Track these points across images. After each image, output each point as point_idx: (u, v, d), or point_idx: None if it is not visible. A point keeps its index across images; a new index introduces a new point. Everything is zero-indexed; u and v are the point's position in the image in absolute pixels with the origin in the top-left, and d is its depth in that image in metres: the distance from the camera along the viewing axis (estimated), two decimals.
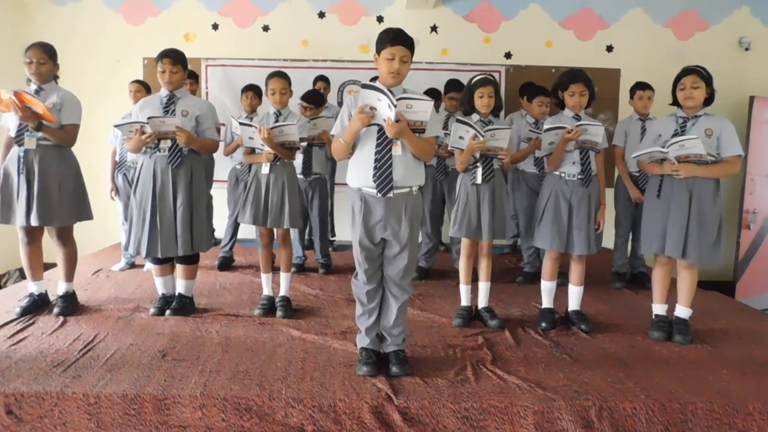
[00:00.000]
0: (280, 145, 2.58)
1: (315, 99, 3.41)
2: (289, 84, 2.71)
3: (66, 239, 2.67)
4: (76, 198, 2.63)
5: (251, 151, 2.73)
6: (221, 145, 3.04)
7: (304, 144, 2.91)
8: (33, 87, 2.56)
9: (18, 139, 2.50)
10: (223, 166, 3.85)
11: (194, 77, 3.76)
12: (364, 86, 1.83)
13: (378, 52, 1.92)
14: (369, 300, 2.02)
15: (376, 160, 1.90)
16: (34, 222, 2.50)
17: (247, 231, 3.54)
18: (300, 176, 3.41)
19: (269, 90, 2.68)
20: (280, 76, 2.67)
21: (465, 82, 2.70)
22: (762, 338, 2.49)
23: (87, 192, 2.71)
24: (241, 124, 2.66)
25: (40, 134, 2.49)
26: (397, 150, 1.90)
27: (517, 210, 3.58)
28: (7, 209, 2.53)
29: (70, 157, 2.64)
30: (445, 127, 3.28)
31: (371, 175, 1.90)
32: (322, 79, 3.94)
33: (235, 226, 3.64)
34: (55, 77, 2.63)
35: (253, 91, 3.43)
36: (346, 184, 2.03)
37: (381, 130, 1.90)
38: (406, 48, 1.88)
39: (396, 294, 2.01)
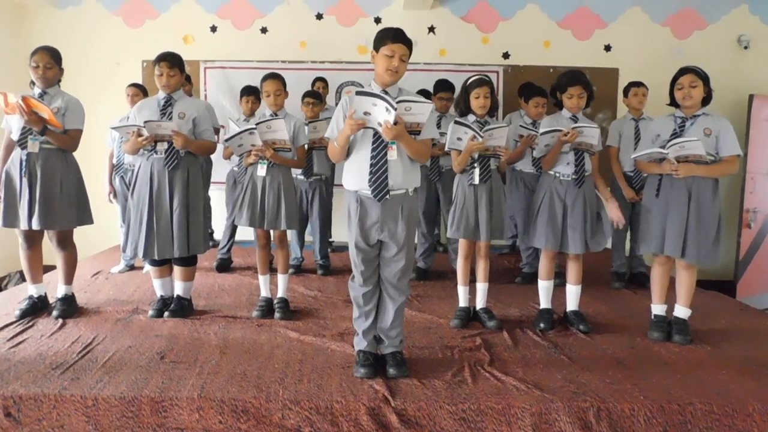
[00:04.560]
0: (271, 145, 2.57)
1: (317, 94, 3.48)
2: (284, 85, 2.71)
3: (66, 243, 2.68)
4: (77, 202, 2.64)
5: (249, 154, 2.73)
6: (220, 147, 3.05)
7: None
8: (37, 91, 2.57)
9: (21, 142, 2.51)
10: (222, 167, 3.85)
11: (187, 79, 3.76)
12: (359, 93, 1.82)
13: (376, 49, 1.91)
14: (366, 302, 2.02)
15: (371, 165, 1.90)
16: (35, 226, 2.51)
17: (246, 232, 3.53)
18: (301, 177, 3.42)
19: (264, 92, 2.69)
20: (275, 77, 2.68)
21: (463, 82, 2.69)
22: (763, 338, 2.48)
23: (88, 196, 2.72)
24: (226, 140, 2.63)
25: (43, 138, 2.50)
26: (392, 155, 1.90)
27: (514, 210, 3.58)
28: (11, 213, 2.54)
29: (72, 161, 2.66)
30: (437, 127, 3.28)
31: (367, 179, 1.90)
32: (321, 79, 3.96)
33: (233, 228, 3.65)
34: (58, 81, 2.64)
35: (254, 95, 3.43)
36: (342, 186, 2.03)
37: (377, 134, 1.90)
38: (406, 47, 1.89)
39: (393, 296, 2.01)
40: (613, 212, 2.53)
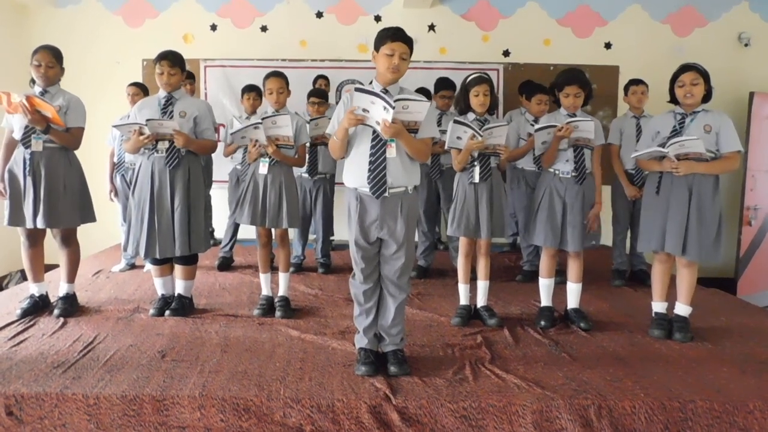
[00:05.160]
0: (275, 141, 2.58)
1: (323, 94, 3.48)
2: (287, 83, 2.71)
3: (70, 240, 2.69)
4: (80, 200, 2.65)
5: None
6: (221, 145, 3.05)
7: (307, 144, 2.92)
8: (37, 89, 2.58)
9: (25, 141, 2.52)
10: (224, 166, 3.85)
11: (191, 77, 3.77)
12: (358, 90, 1.82)
13: (377, 48, 1.91)
14: (366, 300, 2.02)
15: (370, 162, 1.90)
16: (40, 224, 2.51)
17: (247, 231, 3.54)
18: (305, 175, 3.42)
19: (267, 90, 2.68)
20: (277, 75, 2.68)
21: (462, 80, 2.69)
22: (763, 336, 2.48)
23: (90, 194, 2.73)
24: (232, 133, 2.66)
25: (46, 137, 2.51)
26: (391, 152, 1.90)
27: (516, 208, 3.57)
28: (17, 212, 2.54)
29: (75, 159, 2.67)
30: (437, 125, 3.28)
31: (366, 176, 1.90)
32: (323, 77, 3.97)
33: (235, 227, 3.65)
34: (58, 80, 2.64)
35: (255, 92, 3.43)
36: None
37: (376, 131, 1.89)
38: (406, 45, 1.89)
39: (393, 293, 2.01)
40: (591, 214, 2.51)
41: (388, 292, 2.02)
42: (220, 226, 3.98)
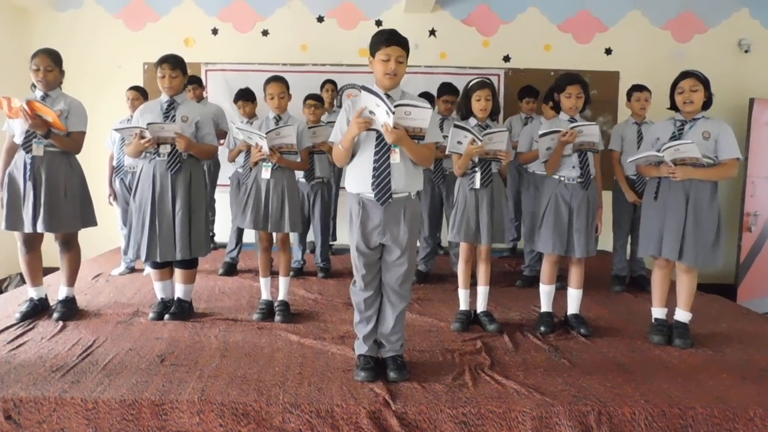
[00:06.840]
0: (278, 149, 2.59)
1: (319, 97, 3.48)
2: (287, 88, 2.72)
3: (71, 244, 2.69)
4: (81, 204, 2.65)
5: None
6: (225, 150, 3.06)
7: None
8: (39, 93, 2.57)
9: (26, 146, 2.52)
10: (226, 169, 3.86)
11: (198, 82, 3.77)
12: (364, 89, 1.81)
13: (372, 54, 1.90)
14: (367, 308, 2.01)
15: (374, 169, 1.89)
16: (40, 228, 2.51)
17: (247, 235, 3.55)
18: (302, 180, 3.42)
19: (268, 95, 2.69)
20: (278, 80, 2.69)
21: (463, 85, 2.69)
22: (763, 342, 2.47)
23: (91, 198, 2.73)
24: (239, 128, 2.69)
25: (47, 141, 2.51)
26: (395, 158, 1.88)
27: (524, 212, 3.56)
28: (15, 216, 2.54)
29: (76, 163, 2.67)
30: (440, 130, 3.28)
31: (370, 182, 1.90)
32: (330, 82, 3.98)
33: (239, 231, 3.62)
34: (59, 84, 2.64)
35: (242, 99, 3.43)
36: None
37: (380, 136, 1.89)
38: (401, 48, 1.87)
39: (394, 302, 2.00)
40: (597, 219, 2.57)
41: (388, 301, 2.01)
42: (221, 229, 3.97)
